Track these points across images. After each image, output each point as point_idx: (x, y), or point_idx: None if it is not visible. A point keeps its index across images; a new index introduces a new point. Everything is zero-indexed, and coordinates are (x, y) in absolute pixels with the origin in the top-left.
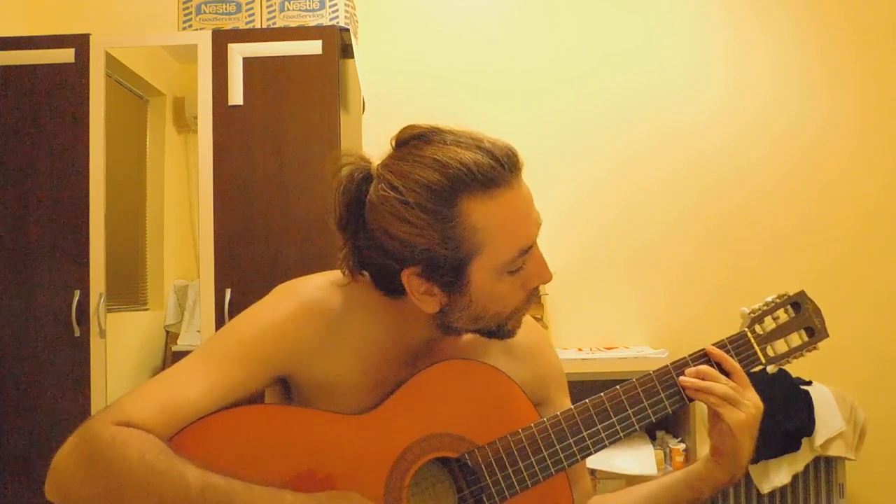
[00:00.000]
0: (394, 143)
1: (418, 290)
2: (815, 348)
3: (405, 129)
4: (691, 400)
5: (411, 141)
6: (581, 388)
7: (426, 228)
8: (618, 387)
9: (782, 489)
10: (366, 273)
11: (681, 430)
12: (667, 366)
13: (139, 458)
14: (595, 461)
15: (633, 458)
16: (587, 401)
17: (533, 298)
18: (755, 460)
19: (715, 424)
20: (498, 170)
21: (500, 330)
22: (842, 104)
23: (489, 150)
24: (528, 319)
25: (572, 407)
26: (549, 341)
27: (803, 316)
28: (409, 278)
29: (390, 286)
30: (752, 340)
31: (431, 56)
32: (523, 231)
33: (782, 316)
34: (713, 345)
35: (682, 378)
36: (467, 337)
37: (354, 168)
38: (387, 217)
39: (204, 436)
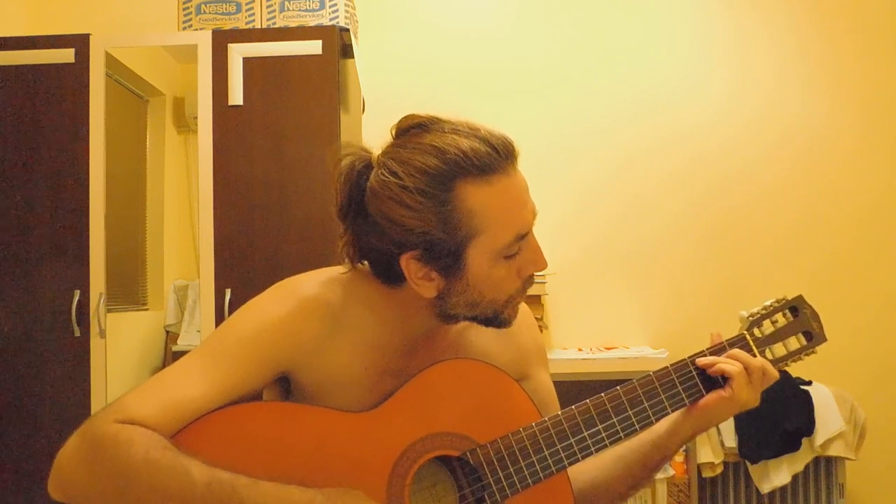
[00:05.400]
0: (394, 132)
1: (416, 275)
2: (813, 352)
3: (405, 118)
4: (692, 403)
5: (411, 130)
6: (581, 388)
7: (424, 212)
8: (618, 387)
9: (782, 489)
10: (365, 263)
11: None
12: (666, 367)
13: (144, 454)
14: None
15: None
16: (588, 401)
17: (528, 286)
18: (755, 460)
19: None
20: (494, 156)
21: (497, 318)
22: (841, 104)
23: (485, 138)
24: None
25: (573, 407)
26: (531, 316)
27: (801, 320)
28: (408, 263)
29: (389, 273)
30: (752, 343)
31: (431, 56)
32: (519, 217)
33: (780, 320)
34: (709, 347)
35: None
36: (460, 323)
37: (355, 158)
38: (387, 202)
39: (205, 434)
